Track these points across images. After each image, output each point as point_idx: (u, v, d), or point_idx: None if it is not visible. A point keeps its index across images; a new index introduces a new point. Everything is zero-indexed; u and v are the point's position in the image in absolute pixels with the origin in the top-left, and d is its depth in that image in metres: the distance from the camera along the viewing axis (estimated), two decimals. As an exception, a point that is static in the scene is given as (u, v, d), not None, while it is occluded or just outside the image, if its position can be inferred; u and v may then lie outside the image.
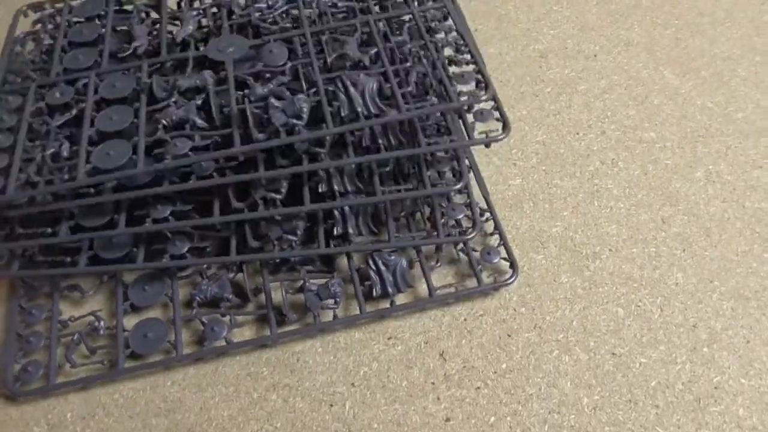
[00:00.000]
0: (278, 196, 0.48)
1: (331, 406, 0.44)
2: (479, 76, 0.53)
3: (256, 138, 0.46)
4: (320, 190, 0.48)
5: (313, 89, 0.49)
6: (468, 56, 0.54)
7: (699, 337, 0.47)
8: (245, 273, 0.49)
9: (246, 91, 0.49)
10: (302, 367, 0.46)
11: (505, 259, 0.50)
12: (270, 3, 0.57)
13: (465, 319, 0.48)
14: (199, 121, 0.49)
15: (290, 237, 0.48)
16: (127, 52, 0.55)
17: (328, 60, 0.52)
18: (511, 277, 0.49)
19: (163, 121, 0.48)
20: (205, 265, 0.49)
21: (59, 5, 0.60)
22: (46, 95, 0.52)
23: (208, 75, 0.50)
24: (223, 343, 0.46)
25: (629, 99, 0.61)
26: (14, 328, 0.47)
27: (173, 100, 0.49)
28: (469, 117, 0.54)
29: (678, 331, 0.47)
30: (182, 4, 0.60)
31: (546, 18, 0.68)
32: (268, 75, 0.51)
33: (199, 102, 0.49)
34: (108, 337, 0.47)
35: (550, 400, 0.44)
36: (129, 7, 0.59)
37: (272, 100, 0.47)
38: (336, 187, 0.48)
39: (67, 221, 0.47)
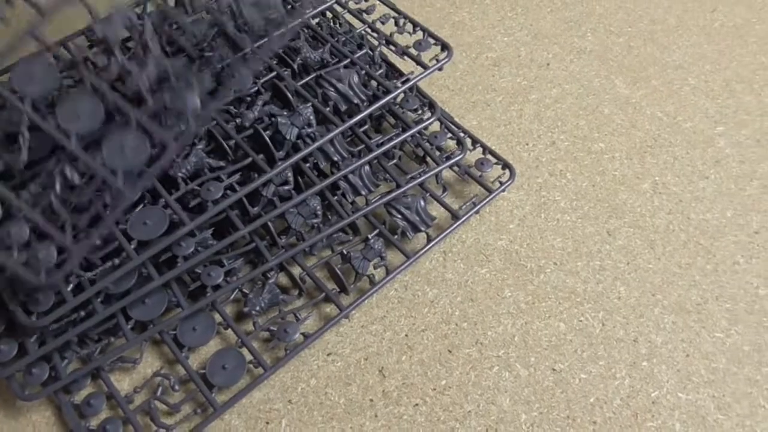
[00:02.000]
0: (289, 187, 0.49)
1: (267, 423, 0.44)
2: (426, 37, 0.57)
3: (280, 157, 0.48)
4: (321, 165, 0.51)
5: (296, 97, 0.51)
6: (410, 25, 0.57)
7: (639, 351, 0.47)
8: (286, 270, 0.50)
9: (238, 120, 0.50)
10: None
11: (496, 163, 0.54)
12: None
13: (406, 335, 0.48)
14: (213, 162, 0.48)
15: (313, 220, 0.49)
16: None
17: (294, 67, 0.53)
18: (510, 176, 0.54)
19: (179, 175, 0.47)
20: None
21: None
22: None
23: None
24: (301, 338, 0.46)
25: (580, 109, 0.61)
26: (81, 428, 0.43)
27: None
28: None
29: (618, 346, 0.47)
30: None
31: (500, 25, 0.68)
32: (248, 98, 0.52)
33: (200, 146, 0.48)
34: (183, 390, 0.45)
35: (488, 417, 0.44)
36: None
37: (280, 119, 0.49)
38: (335, 158, 0.51)
39: (96, 297, 0.44)
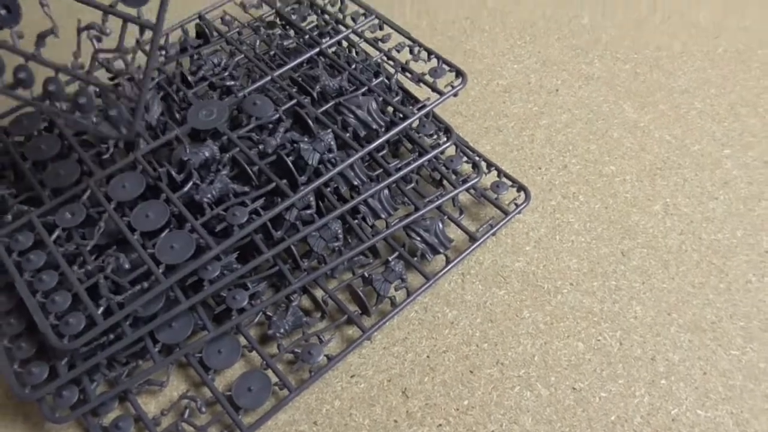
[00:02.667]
0: (311, 211, 0.51)
1: (295, 446, 0.45)
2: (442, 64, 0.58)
3: (302, 182, 0.50)
4: (341, 190, 0.52)
5: (319, 124, 0.53)
6: (424, 52, 0.59)
7: (657, 369, 0.48)
8: (308, 292, 0.51)
9: (260, 147, 0.51)
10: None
11: (512, 185, 0.56)
12: (215, 62, 0.58)
13: (428, 356, 0.48)
14: (237, 188, 0.50)
15: (335, 244, 0.51)
16: (110, 152, 0.53)
17: (314, 94, 0.55)
18: (526, 198, 0.55)
19: (205, 200, 0.48)
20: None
21: None
22: (57, 220, 0.48)
23: (211, 145, 0.50)
24: (325, 360, 0.47)
25: (590, 133, 0.63)
26: None
27: (196, 179, 0.49)
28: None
29: (637, 365, 0.48)
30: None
31: (509, 53, 0.70)
32: (270, 125, 0.53)
33: (224, 172, 0.50)
34: (210, 412, 0.46)
35: (511, 436, 0.45)
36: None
37: (302, 145, 0.50)
38: (355, 182, 0.52)
39: (125, 320, 0.45)
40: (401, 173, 0.52)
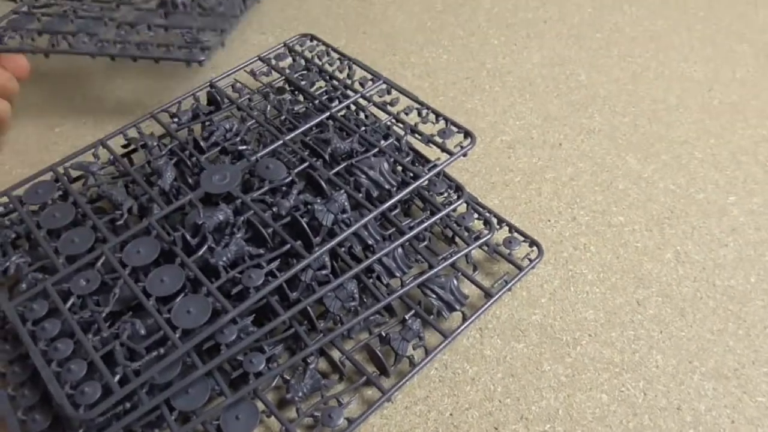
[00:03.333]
0: (326, 271, 0.50)
1: None
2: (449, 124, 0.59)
3: (317, 243, 0.50)
4: (355, 250, 0.52)
5: (331, 185, 0.54)
6: (432, 114, 0.60)
7: (684, 419, 0.47)
8: (326, 354, 0.50)
9: (274, 209, 0.52)
10: (288, 474, 0.45)
11: (524, 241, 0.56)
12: (227, 127, 0.58)
13: (451, 414, 0.47)
14: (252, 250, 0.50)
15: (351, 303, 0.50)
16: (124, 218, 0.53)
17: (326, 156, 0.56)
18: (539, 253, 0.56)
19: (221, 263, 0.48)
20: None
21: (2, 200, 0.56)
22: (71, 288, 0.48)
23: (225, 208, 0.51)
24: (346, 423, 0.46)
25: (595, 185, 0.64)
26: None
27: (211, 243, 0.49)
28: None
29: (663, 415, 0.47)
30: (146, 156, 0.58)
31: (511, 110, 0.72)
32: (284, 188, 0.54)
33: (239, 234, 0.50)
34: None
35: (541, 495, 0.43)
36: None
37: (317, 206, 0.51)
38: (369, 242, 0.53)
39: (141, 388, 0.44)
40: (414, 231, 0.53)
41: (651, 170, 0.65)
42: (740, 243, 0.58)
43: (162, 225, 0.51)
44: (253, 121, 0.60)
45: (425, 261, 0.54)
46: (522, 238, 0.57)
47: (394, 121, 0.60)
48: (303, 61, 0.67)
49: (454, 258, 0.54)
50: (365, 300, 0.52)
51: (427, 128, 0.59)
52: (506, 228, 0.58)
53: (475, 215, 0.57)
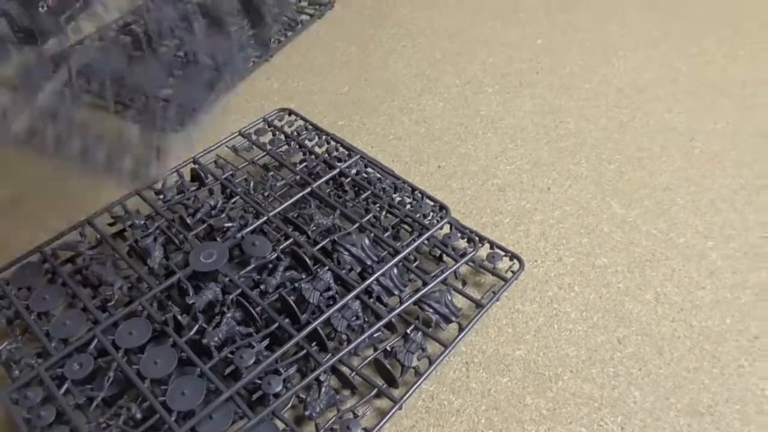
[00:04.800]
0: (332, 293, 0.54)
1: None
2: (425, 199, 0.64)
3: (305, 321, 0.53)
4: (356, 271, 0.57)
5: (315, 262, 0.57)
6: (407, 186, 0.65)
7: (659, 454, 0.49)
8: (336, 371, 0.52)
9: (261, 287, 0.55)
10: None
11: (505, 255, 0.61)
12: (212, 204, 0.61)
13: (436, 444, 0.50)
14: (243, 330, 0.52)
15: (356, 322, 0.54)
16: (115, 298, 0.54)
17: (308, 232, 0.59)
18: (520, 266, 0.60)
19: (212, 344, 0.50)
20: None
21: None
22: (65, 372, 0.49)
23: (214, 287, 0.53)
24: None
25: (581, 227, 0.67)
26: None
27: (202, 323, 0.51)
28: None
29: (639, 449, 0.49)
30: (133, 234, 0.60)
31: (502, 156, 0.76)
32: (270, 265, 0.57)
33: (229, 314, 0.52)
34: None
35: None
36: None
37: (304, 285, 0.54)
38: (368, 262, 0.57)
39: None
40: (409, 249, 0.58)
41: (634, 215, 0.68)
42: (717, 286, 0.61)
43: (151, 303, 0.53)
44: (238, 197, 0.62)
45: (419, 279, 0.58)
46: (503, 253, 0.62)
47: (372, 197, 0.64)
48: (283, 136, 0.71)
49: (446, 274, 0.58)
50: (367, 319, 0.55)
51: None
52: (488, 245, 0.62)
53: (459, 234, 0.62)
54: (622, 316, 0.59)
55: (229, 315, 0.52)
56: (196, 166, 0.66)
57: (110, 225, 0.61)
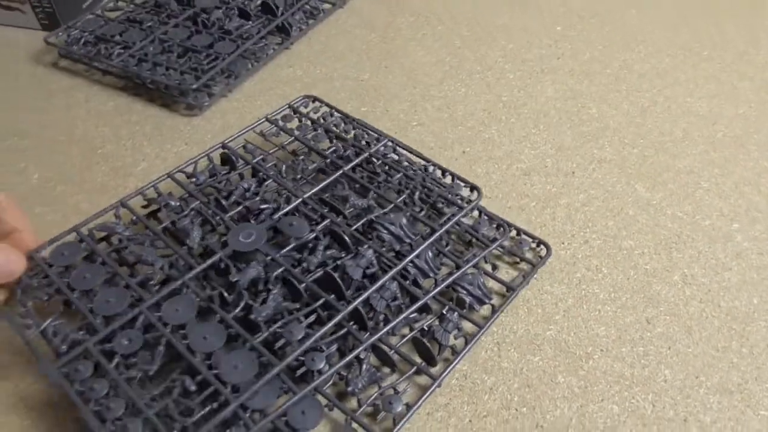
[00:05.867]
0: (374, 269, 0.55)
1: None
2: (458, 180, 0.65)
3: (349, 298, 0.53)
4: (394, 249, 0.58)
5: (357, 241, 0.57)
6: (438, 168, 0.66)
7: (690, 431, 0.50)
8: (376, 349, 0.53)
9: (304, 265, 0.55)
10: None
11: (533, 241, 0.63)
12: (245, 187, 0.61)
13: (470, 420, 0.51)
14: (290, 305, 0.53)
15: (395, 302, 0.55)
16: (157, 277, 0.54)
17: (345, 213, 0.60)
18: (547, 251, 0.62)
19: (260, 319, 0.51)
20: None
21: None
22: (114, 347, 0.49)
23: (256, 265, 0.53)
24: (405, 408, 0.50)
25: (606, 211, 0.67)
26: None
27: (248, 299, 0.52)
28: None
29: (671, 426, 0.50)
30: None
31: (526, 140, 0.76)
32: (310, 245, 0.57)
33: (275, 291, 0.52)
34: None
35: (556, 497, 0.46)
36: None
37: (347, 262, 0.55)
38: (407, 240, 0.58)
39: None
40: (446, 226, 0.59)
41: (659, 198, 0.69)
42: (744, 267, 0.62)
43: (194, 282, 0.54)
44: (270, 180, 0.63)
45: (453, 262, 0.59)
46: (531, 239, 0.63)
47: (405, 177, 0.65)
48: (309, 122, 0.71)
49: (478, 258, 0.59)
50: (404, 300, 0.56)
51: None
52: (514, 232, 0.64)
53: (487, 220, 0.63)
54: (650, 296, 0.59)
55: (275, 291, 0.52)
56: (226, 151, 0.67)
57: (144, 207, 0.62)
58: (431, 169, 0.66)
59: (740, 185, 0.70)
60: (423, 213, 0.61)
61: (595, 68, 0.88)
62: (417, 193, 0.63)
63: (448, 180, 0.65)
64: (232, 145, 0.68)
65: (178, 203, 0.61)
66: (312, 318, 0.52)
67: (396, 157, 0.67)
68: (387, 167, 0.66)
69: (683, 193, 0.69)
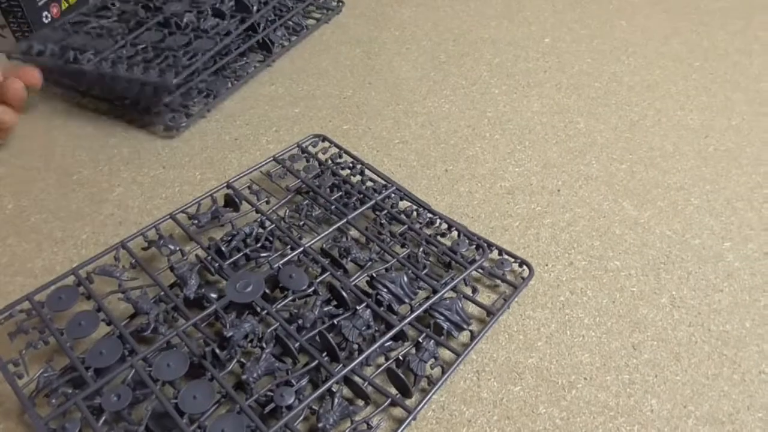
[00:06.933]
0: (371, 331, 0.53)
1: None
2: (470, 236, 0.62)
3: (347, 358, 0.52)
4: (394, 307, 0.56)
5: (355, 299, 0.55)
6: (444, 225, 0.63)
7: (678, 464, 0.47)
8: (348, 381, 0.51)
9: (299, 321, 0.53)
10: None
11: (514, 262, 0.61)
12: (247, 232, 0.60)
13: (447, 456, 0.48)
14: (282, 365, 0.51)
15: (367, 331, 0.53)
16: (151, 327, 0.53)
17: (345, 266, 0.58)
18: (530, 272, 0.60)
19: (251, 378, 0.49)
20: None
21: (24, 306, 0.54)
22: (103, 404, 0.47)
23: (251, 319, 0.52)
24: None
25: (593, 230, 0.65)
26: None
27: (240, 358, 0.51)
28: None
29: (657, 460, 0.48)
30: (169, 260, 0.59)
31: (510, 157, 0.74)
32: (305, 299, 0.56)
33: (268, 349, 0.51)
34: None
35: None
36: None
37: (344, 322, 0.53)
38: (406, 300, 0.56)
39: None
40: (447, 288, 0.56)
41: (647, 216, 0.67)
42: (735, 288, 0.59)
43: (187, 334, 0.52)
44: (273, 225, 0.61)
45: (429, 286, 0.56)
46: (512, 259, 0.61)
47: (409, 231, 0.62)
48: (316, 163, 0.69)
49: (456, 281, 0.57)
50: (378, 328, 0.54)
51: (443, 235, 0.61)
52: (496, 251, 0.62)
53: (467, 241, 0.61)
54: (636, 321, 0.57)
55: (267, 351, 0.51)
56: (230, 191, 0.65)
57: (144, 249, 0.60)
58: (438, 222, 0.64)
59: (732, 201, 0.68)
60: (426, 271, 0.59)
61: (583, 81, 0.86)
62: (420, 249, 0.61)
63: (454, 234, 0.63)
64: (237, 185, 0.66)
65: (177, 248, 0.59)
66: (305, 380, 0.50)
67: (402, 206, 0.66)
68: (392, 218, 0.64)
69: (673, 210, 0.67)
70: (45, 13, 0.90)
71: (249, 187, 0.66)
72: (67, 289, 0.55)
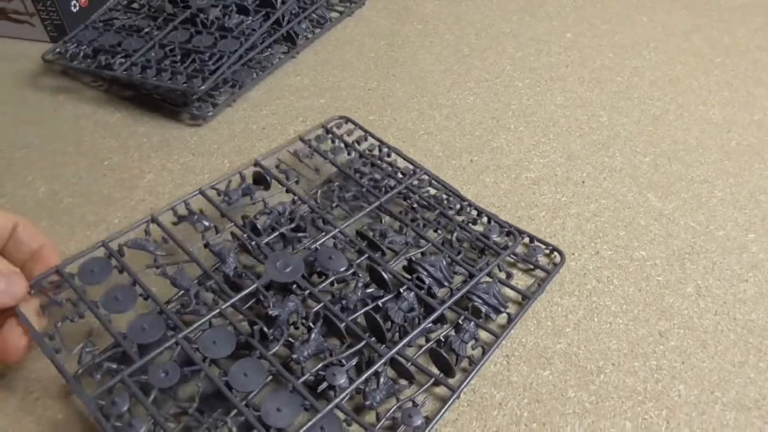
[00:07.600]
0: (415, 313, 0.54)
1: None
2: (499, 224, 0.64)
3: (391, 340, 0.53)
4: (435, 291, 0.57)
5: (395, 280, 0.56)
6: (474, 211, 0.65)
7: (707, 448, 0.48)
8: (393, 361, 0.52)
9: (343, 302, 0.54)
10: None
11: (545, 248, 0.62)
12: (280, 211, 0.60)
13: (479, 437, 0.49)
14: (330, 345, 0.52)
15: (413, 313, 0.54)
16: (192, 304, 0.52)
17: (383, 249, 0.59)
18: (561, 258, 0.61)
19: (302, 358, 0.50)
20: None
21: (55, 279, 0.52)
22: (151, 380, 0.46)
23: (294, 299, 0.52)
24: (424, 421, 0.48)
25: (618, 221, 0.66)
26: None
27: (287, 337, 0.51)
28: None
29: (686, 443, 0.49)
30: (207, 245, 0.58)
31: (535, 149, 0.75)
32: (347, 281, 0.57)
33: (316, 329, 0.51)
34: None
35: None
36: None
37: (390, 305, 0.54)
38: (446, 284, 0.57)
39: None
40: (483, 273, 0.57)
41: (671, 208, 0.67)
42: (760, 279, 0.60)
43: (231, 312, 0.52)
44: (306, 206, 0.61)
45: (466, 270, 0.58)
46: (543, 246, 0.62)
47: (442, 216, 0.64)
48: (343, 145, 0.70)
49: (492, 266, 0.58)
50: (421, 310, 0.55)
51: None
52: (527, 239, 0.63)
53: (498, 228, 0.63)
54: (663, 309, 0.58)
55: (315, 330, 0.51)
56: (260, 169, 0.65)
57: (174, 224, 0.60)
58: (467, 209, 0.65)
59: (756, 194, 0.69)
60: (461, 255, 0.60)
61: (605, 76, 0.87)
62: (454, 235, 0.62)
63: (484, 220, 0.64)
64: (265, 164, 0.66)
65: (212, 225, 0.58)
66: (355, 360, 0.51)
67: (432, 191, 0.67)
68: (423, 202, 0.64)
69: (696, 202, 0.68)
70: (74, 2, 0.91)
71: (277, 167, 0.67)
72: (99, 261, 0.53)
